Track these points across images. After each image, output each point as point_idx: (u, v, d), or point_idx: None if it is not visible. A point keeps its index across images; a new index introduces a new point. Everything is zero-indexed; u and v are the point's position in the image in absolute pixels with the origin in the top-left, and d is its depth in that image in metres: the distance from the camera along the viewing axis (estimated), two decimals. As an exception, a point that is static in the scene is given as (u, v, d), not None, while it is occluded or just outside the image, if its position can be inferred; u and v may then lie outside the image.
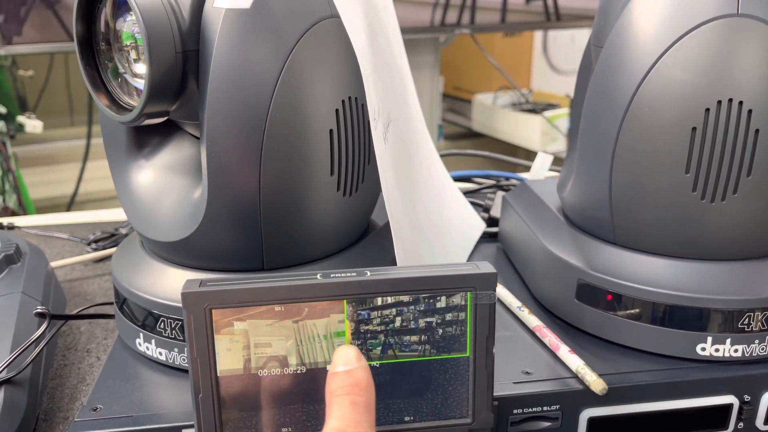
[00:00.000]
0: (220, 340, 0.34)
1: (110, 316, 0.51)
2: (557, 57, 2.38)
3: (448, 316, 0.36)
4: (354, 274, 0.35)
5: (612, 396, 0.41)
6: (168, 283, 0.42)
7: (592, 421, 0.41)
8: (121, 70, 0.40)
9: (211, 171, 0.38)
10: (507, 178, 0.76)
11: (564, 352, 0.43)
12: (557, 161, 0.69)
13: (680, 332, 0.42)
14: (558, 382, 0.41)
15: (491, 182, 0.76)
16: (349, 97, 0.40)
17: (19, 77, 2.06)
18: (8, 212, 1.53)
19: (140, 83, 0.38)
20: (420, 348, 0.36)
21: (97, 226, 0.80)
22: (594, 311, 0.45)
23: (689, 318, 0.42)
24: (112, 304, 0.48)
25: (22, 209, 1.65)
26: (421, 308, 0.36)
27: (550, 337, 0.45)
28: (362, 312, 0.35)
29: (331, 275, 0.35)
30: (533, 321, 0.47)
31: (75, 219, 0.86)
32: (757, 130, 0.39)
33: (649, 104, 0.40)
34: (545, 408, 0.41)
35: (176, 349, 0.41)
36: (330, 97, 0.39)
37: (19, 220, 0.84)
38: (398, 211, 0.42)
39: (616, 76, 0.42)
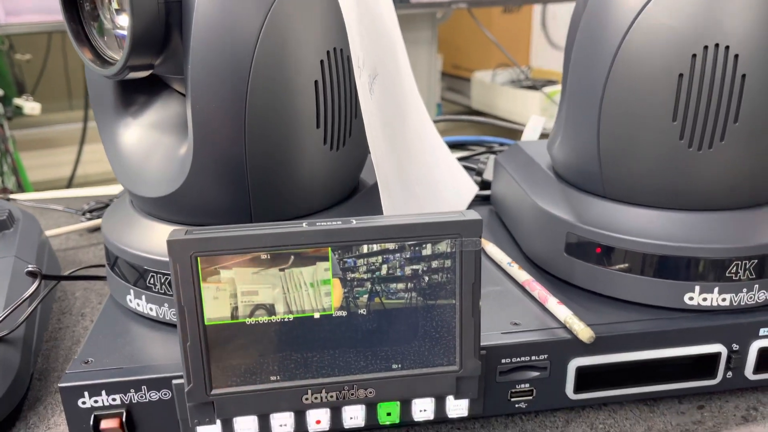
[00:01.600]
0: (206, 288, 0.35)
1: (102, 278, 0.51)
2: (556, 33, 2.36)
3: (434, 264, 0.36)
4: (339, 222, 0.36)
5: (600, 345, 0.41)
6: (156, 239, 0.42)
7: (581, 371, 0.41)
8: (106, 24, 0.39)
9: (195, 124, 0.38)
10: (501, 144, 0.75)
11: (552, 303, 0.43)
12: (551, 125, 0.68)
13: (668, 282, 0.42)
14: (546, 332, 0.41)
15: (485, 149, 0.76)
16: (335, 48, 0.40)
17: (16, 61, 2.06)
18: (7, 193, 1.54)
19: (123, 34, 0.38)
20: (407, 295, 0.37)
21: (93, 200, 0.81)
22: (583, 264, 0.45)
23: (677, 268, 0.42)
24: (104, 266, 0.48)
25: (21, 191, 1.65)
26: (407, 256, 0.36)
27: (539, 290, 0.45)
28: (348, 260, 0.36)
29: (317, 223, 0.35)
30: (522, 275, 0.47)
31: (71, 194, 0.86)
32: (743, 76, 0.38)
33: (635, 52, 0.40)
34: (533, 357, 0.41)
35: (166, 304, 0.42)
36: (314, 47, 0.39)
37: (15, 195, 0.84)
38: (385, 163, 0.42)
39: (602, 27, 0.42)
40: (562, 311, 0.42)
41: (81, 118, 2.04)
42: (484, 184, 0.64)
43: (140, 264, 0.42)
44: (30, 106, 1.84)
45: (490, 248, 0.52)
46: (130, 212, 0.45)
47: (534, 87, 2.18)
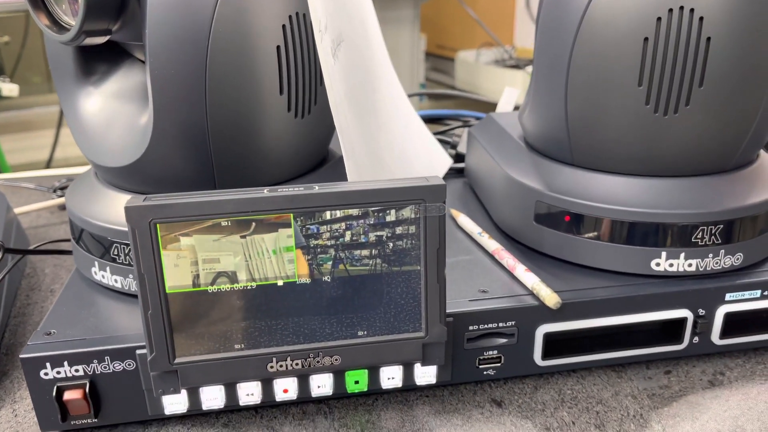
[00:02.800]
0: (167, 255, 0.34)
1: (68, 252, 0.51)
2: (540, 12, 2.35)
3: (399, 230, 0.36)
4: (302, 188, 0.35)
5: (567, 312, 0.41)
6: (120, 209, 0.41)
7: (548, 337, 0.42)
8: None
9: (155, 91, 0.37)
10: (477, 118, 0.75)
11: (520, 271, 0.43)
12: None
13: (635, 248, 0.42)
14: (514, 299, 0.41)
15: (461, 123, 0.76)
16: (297, 13, 0.39)
17: (-6, 44, 2.02)
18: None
19: (78, -1, 0.37)
20: (371, 262, 0.36)
21: (65, 178, 0.79)
22: (552, 233, 0.45)
23: (644, 234, 0.42)
24: (70, 240, 0.48)
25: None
26: (371, 222, 0.36)
27: (507, 259, 0.45)
28: (311, 226, 0.35)
29: (279, 190, 0.35)
30: (492, 245, 0.47)
31: (44, 174, 0.85)
32: (708, 38, 0.38)
33: (600, 17, 0.40)
34: (501, 324, 0.41)
35: (131, 276, 0.41)
36: (276, 12, 0.38)
37: (-15, 173, 0.82)
38: (350, 129, 0.42)
39: (570, -9, 0.41)
40: (530, 278, 0.42)
41: (58, 101, 2.01)
42: (459, 157, 0.64)
43: (104, 235, 0.41)
44: (8, 88, 1.81)
45: (462, 219, 0.52)
46: (94, 184, 0.44)
47: (518, 66, 2.17)
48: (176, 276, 0.35)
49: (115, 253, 0.41)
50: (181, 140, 0.39)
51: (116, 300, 0.42)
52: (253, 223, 0.35)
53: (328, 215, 0.35)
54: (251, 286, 0.35)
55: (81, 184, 0.46)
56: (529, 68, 2.08)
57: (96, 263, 0.42)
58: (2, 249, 0.45)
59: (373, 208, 0.35)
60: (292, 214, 0.35)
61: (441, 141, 0.67)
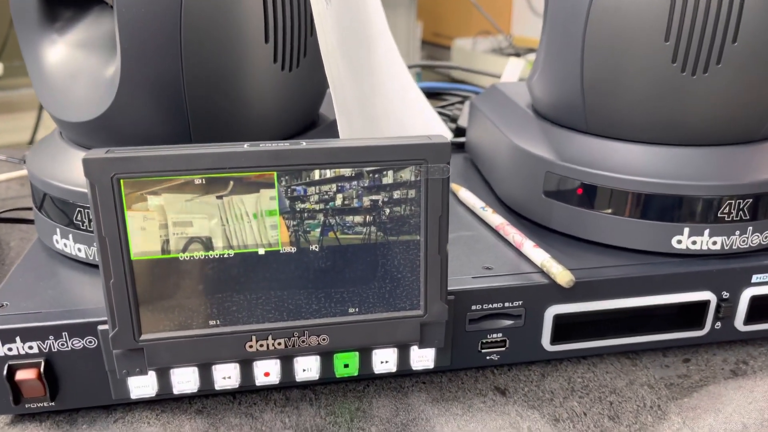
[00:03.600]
0: (132, 217, 0.30)
1: (29, 221, 0.46)
2: (538, 0, 2.31)
3: (396, 194, 0.32)
4: (287, 144, 0.31)
5: (580, 291, 0.37)
6: (84, 170, 0.37)
7: (558, 319, 0.38)
8: None
9: (123, 36, 0.33)
10: (477, 93, 0.71)
11: (528, 247, 0.39)
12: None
13: (655, 224, 0.39)
14: (521, 276, 0.37)
15: (459, 99, 0.71)
16: (286, -49, 0.35)
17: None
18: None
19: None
20: (365, 230, 0.32)
21: (40, 149, 0.75)
22: (562, 206, 0.41)
23: (665, 208, 0.38)
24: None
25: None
26: (365, 184, 0.32)
27: (513, 234, 0.41)
28: (297, 187, 0.31)
29: (260, 144, 0.31)
30: (497, 219, 0.43)
31: (20, 151, 0.80)
32: (745, -12, 0.34)
33: (625, -37, 0.36)
34: (507, 304, 0.37)
35: (96, 244, 0.37)
36: (262, -53, 0.34)
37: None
38: (342, 83, 0.37)
39: (590, -64, 0.37)
40: (539, 255, 0.38)
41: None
42: (459, 132, 0.60)
43: (66, 198, 0.37)
44: (-8, 67, 1.75)
45: (463, 193, 0.48)
46: (58, 144, 0.40)
47: (517, 54, 2.13)
48: (143, 241, 0.30)
49: (79, 218, 0.37)
50: (152, 93, 0.34)
51: (79, 271, 0.38)
52: (231, 182, 0.30)
53: (316, 175, 0.31)
54: (228, 254, 0.31)
55: (43, 145, 0.42)
56: (530, 56, 2.05)
57: (58, 230, 0.38)
58: (-46, 214, 0.40)
59: (368, 168, 0.31)
60: (275, 173, 0.31)
61: (440, 114, 0.63)
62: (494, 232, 0.43)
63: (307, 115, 0.41)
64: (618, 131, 0.40)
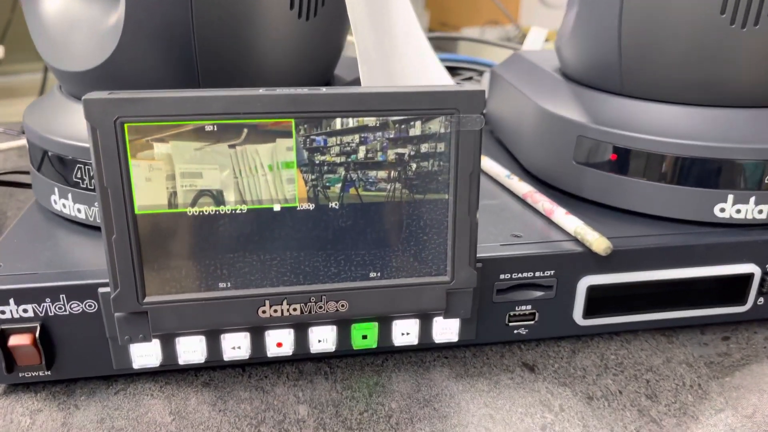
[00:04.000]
0: (136, 166, 0.27)
1: (27, 185, 0.44)
2: (548, -10, 2.27)
3: (424, 147, 0.29)
4: (306, 89, 0.28)
5: (616, 261, 0.35)
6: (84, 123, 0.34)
7: (592, 291, 0.35)
8: None
9: (130, -29, 0.30)
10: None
11: (560, 214, 0.37)
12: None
13: (696, 191, 0.36)
14: (553, 245, 0.35)
15: (475, 72, 0.69)
16: None
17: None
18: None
19: None
20: (389, 187, 0.30)
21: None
22: (595, 173, 0.39)
23: (707, 173, 0.36)
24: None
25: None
26: (391, 136, 0.29)
27: (542, 202, 0.38)
28: (316, 137, 0.28)
29: (277, 89, 0.28)
30: (524, 187, 0.40)
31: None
32: (804, -70, 0.32)
33: None
34: (538, 274, 0.34)
35: (97, 204, 0.34)
36: None
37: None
38: (365, 29, 0.35)
39: None
40: (572, 222, 0.36)
41: (43, 68, 1.93)
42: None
43: (65, 154, 0.34)
44: (-8, 49, 1.73)
45: (486, 162, 0.45)
46: (57, 98, 0.37)
47: (514, 49, 2.10)
48: (148, 193, 0.28)
49: (78, 176, 0.34)
50: (158, 39, 0.32)
51: (78, 233, 0.35)
52: (245, 130, 0.28)
53: (338, 124, 0.28)
54: (241, 209, 0.29)
55: (42, 101, 0.39)
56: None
57: (56, 189, 0.36)
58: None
59: (394, 118, 0.29)
60: (293, 120, 0.28)
61: (457, 88, 0.60)
62: (520, 200, 0.40)
63: (323, 72, 0.39)
64: (657, 92, 0.37)
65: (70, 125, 0.35)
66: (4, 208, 0.52)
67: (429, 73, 0.49)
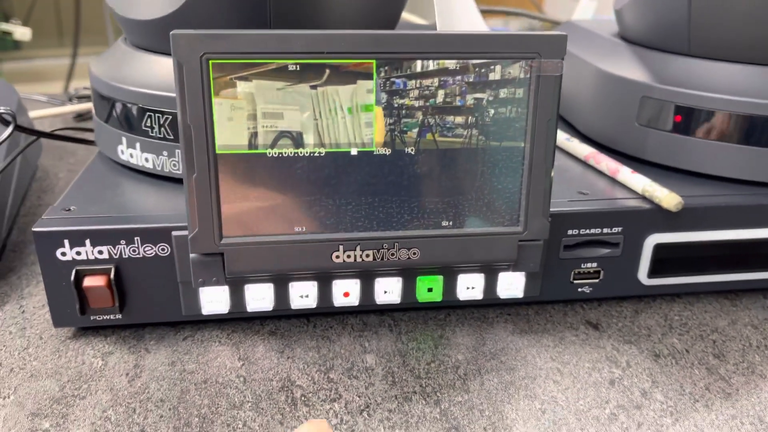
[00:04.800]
0: (220, 104, 0.27)
1: (90, 142, 0.44)
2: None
3: (503, 93, 0.29)
4: (387, 32, 0.28)
5: (685, 219, 0.34)
6: (154, 72, 0.35)
7: (659, 249, 0.35)
8: None
9: None
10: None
11: (625, 173, 0.36)
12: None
13: (765, 150, 0.35)
14: (620, 202, 0.35)
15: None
16: None
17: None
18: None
19: None
20: (466, 132, 0.29)
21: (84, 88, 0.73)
22: (660, 134, 0.38)
23: (778, 133, 0.35)
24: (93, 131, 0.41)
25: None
26: (470, 80, 0.29)
27: (606, 162, 0.38)
28: (397, 80, 0.28)
29: (359, 31, 0.28)
30: (585, 149, 0.40)
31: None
32: None
33: None
34: (605, 230, 0.34)
35: (165, 153, 0.35)
36: None
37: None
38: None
39: None
40: (639, 180, 0.35)
41: (70, 54, 1.95)
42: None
43: (135, 101, 0.34)
44: (20, 32, 1.74)
45: (541, 127, 0.45)
46: (125, 50, 0.38)
47: (554, 23, 2.08)
48: (229, 132, 0.28)
49: (148, 124, 0.34)
50: (234, -18, 0.32)
51: (147, 183, 0.35)
52: (327, 70, 0.28)
53: (418, 67, 0.28)
54: (319, 152, 0.29)
55: (108, 53, 0.39)
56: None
57: (123, 139, 0.36)
58: (14, 123, 0.38)
59: (474, 62, 0.28)
60: (374, 61, 0.28)
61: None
62: (582, 162, 0.40)
63: (389, 19, 0.39)
64: (726, 51, 0.37)
65: (138, 74, 0.35)
66: (56, 170, 0.53)
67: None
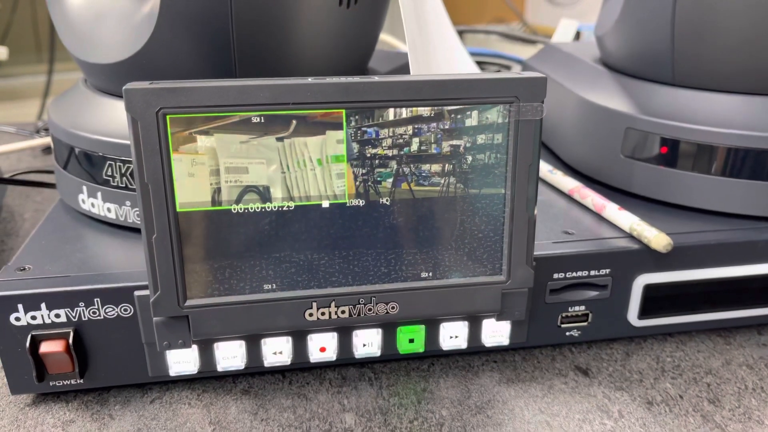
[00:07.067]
0: (178, 160, 0.26)
1: (50, 185, 0.42)
2: (554, -12, 2.26)
3: (481, 139, 0.28)
4: (357, 78, 0.27)
5: (675, 258, 0.33)
6: (115, 118, 0.33)
7: (649, 290, 0.33)
8: None
9: (165, -45, 0.29)
10: (521, 62, 0.67)
11: (612, 210, 0.35)
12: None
13: (756, 184, 0.34)
14: (607, 242, 0.33)
15: (497, 68, 0.67)
16: None
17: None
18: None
19: None
20: (443, 181, 0.28)
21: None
22: (645, 167, 0.37)
23: (765, 165, 0.34)
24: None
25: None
26: (446, 126, 0.27)
27: (592, 197, 0.37)
28: (368, 129, 0.27)
29: (326, 78, 0.26)
30: (569, 182, 0.39)
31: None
32: None
33: None
34: (593, 272, 0.33)
35: (128, 203, 0.33)
36: None
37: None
38: (412, 17, 0.33)
39: None
40: (626, 217, 0.34)
41: (47, 70, 1.92)
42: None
43: (95, 150, 0.33)
44: (-3, 52, 1.72)
45: (524, 157, 0.43)
46: (84, 93, 0.36)
47: (532, 41, 2.08)
48: (190, 189, 0.26)
49: (109, 173, 0.33)
50: (195, 26, 0.30)
51: (109, 234, 0.33)
52: (294, 121, 0.26)
53: (391, 115, 0.27)
54: (288, 206, 0.27)
55: (67, 95, 0.37)
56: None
57: (84, 188, 0.34)
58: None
59: (449, 108, 0.27)
60: (344, 111, 0.26)
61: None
62: (565, 196, 0.39)
63: (359, 63, 0.37)
64: (711, 81, 0.36)
65: (99, 120, 0.33)
66: (21, 210, 0.50)
67: (462, 66, 0.48)
